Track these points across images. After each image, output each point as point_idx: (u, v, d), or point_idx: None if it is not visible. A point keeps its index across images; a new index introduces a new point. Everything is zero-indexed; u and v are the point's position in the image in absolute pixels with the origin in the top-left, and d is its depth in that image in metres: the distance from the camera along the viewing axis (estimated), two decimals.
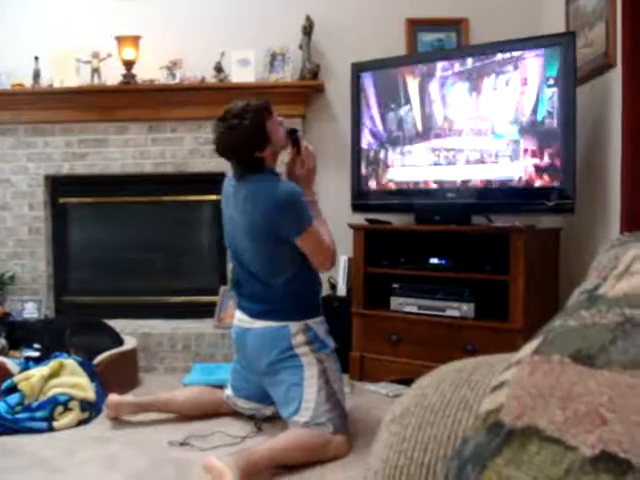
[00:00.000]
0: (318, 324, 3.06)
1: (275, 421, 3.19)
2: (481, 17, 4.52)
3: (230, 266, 3.68)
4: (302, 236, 2.93)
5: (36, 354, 3.65)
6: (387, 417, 1.06)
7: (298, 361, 2.96)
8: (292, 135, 3.17)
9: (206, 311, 4.60)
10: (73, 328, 3.88)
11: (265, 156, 3.01)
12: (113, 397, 3.27)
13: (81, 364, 3.50)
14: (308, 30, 4.44)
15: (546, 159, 3.61)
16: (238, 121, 2.94)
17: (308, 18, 4.43)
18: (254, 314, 3.07)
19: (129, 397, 3.37)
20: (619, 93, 3.14)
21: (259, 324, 3.04)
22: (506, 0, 4.51)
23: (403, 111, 4.11)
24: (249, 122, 2.95)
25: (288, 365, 2.96)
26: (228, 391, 3.30)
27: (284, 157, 3.23)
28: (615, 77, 3.36)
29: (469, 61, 3.88)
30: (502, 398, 0.75)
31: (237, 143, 2.96)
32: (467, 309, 3.71)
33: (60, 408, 3.23)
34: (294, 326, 2.98)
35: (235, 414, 3.32)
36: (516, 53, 3.72)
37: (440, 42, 4.59)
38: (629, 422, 0.61)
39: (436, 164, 4.00)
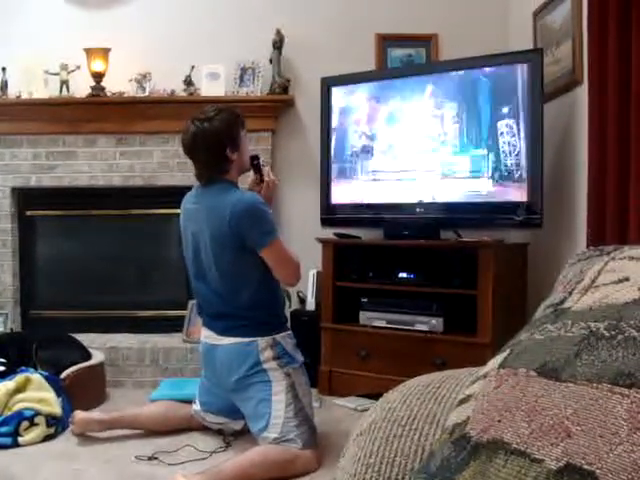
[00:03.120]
0: (286, 338, 3.04)
1: (244, 435, 3.17)
2: (450, 33, 4.56)
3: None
4: (268, 247, 2.92)
5: (2, 368, 3.59)
6: (355, 431, 1.06)
7: (266, 376, 2.94)
8: (253, 161, 3.19)
9: (174, 325, 4.57)
10: (40, 342, 3.82)
11: (233, 160, 3.02)
12: (79, 414, 3.21)
13: (47, 379, 3.45)
14: (278, 44, 4.45)
15: (514, 174, 3.64)
16: (214, 114, 3.00)
17: (278, 32, 4.43)
18: (221, 331, 3.04)
19: (95, 414, 3.32)
20: (585, 110, 3.18)
21: (227, 340, 3.01)
22: (475, 17, 4.56)
23: (372, 126, 4.12)
24: (225, 119, 3.01)
25: (256, 381, 2.94)
26: (196, 406, 3.28)
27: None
28: (582, 94, 3.40)
29: (438, 76, 3.91)
30: (468, 411, 0.76)
31: (210, 136, 2.97)
32: (436, 323, 3.72)
33: (26, 423, 3.17)
34: (262, 341, 2.96)
35: (203, 429, 3.29)
36: (485, 69, 3.76)
37: (410, 58, 4.62)
38: (594, 434, 0.62)
39: (405, 179, 4.01)
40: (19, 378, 3.37)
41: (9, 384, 3.33)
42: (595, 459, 0.60)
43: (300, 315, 4.27)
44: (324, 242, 4.10)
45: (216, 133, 2.98)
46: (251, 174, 3.26)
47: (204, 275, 3.06)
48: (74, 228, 4.84)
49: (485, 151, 3.73)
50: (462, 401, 0.80)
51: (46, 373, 3.52)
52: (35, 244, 4.78)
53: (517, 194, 3.64)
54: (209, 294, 3.07)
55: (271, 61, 4.49)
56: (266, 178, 3.20)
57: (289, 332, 3.10)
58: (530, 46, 4.05)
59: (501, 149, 3.68)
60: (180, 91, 4.49)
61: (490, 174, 3.72)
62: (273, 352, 2.96)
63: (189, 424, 3.31)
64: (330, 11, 4.62)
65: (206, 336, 3.13)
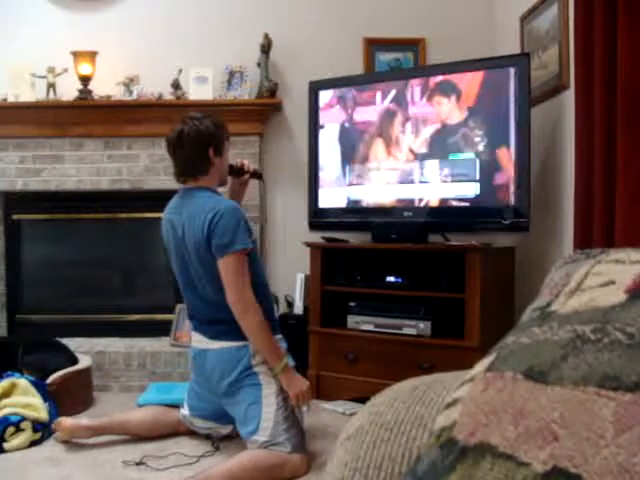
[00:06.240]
0: (276, 342, 3.04)
1: (232, 440, 3.17)
2: (438, 37, 4.57)
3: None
4: (223, 260, 2.89)
5: None
6: (342, 435, 1.05)
7: (257, 380, 2.94)
8: (232, 169, 3.36)
9: (162, 329, 4.55)
10: (26, 347, 3.80)
11: (214, 163, 3.07)
12: (66, 421, 3.19)
13: (34, 384, 3.43)
14: (266, 48, 4.45)
15: (501, 178, 3.65)
16: (202, 116, 3.09)
17: (266, 36, 4.44)
18: (212, 336, 3.04)
19: (83, 420, 3.28)
20: (572, 114, 3.19)
21: (218, 345, 3.01)
22: (463, 21, 4.57)
23: (361, 130, 4.13)
24: (213, 122, 3.09)
25: (247, 384, 2.94)
26: (184, 410, 3.27)
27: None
28: (568, 98, 3.42)
29: (425, 81, 3.92)
30: (455, 415, 0.76)
31: (196, 134, 3.02)
32: (424, 327, 3.72)
33: (11, 429, 3.15)
34: (253, 345, 2.96)
35: (191, 433, 3.28)
36: (472, 73, 3.77)
37: (397, 62, 4.63)
38: (580, 438, 0.62)
39: (393, 183, 4.02)
40: (5, 383, 3.35)
41: None
42: (582, 462, 0.60)
43: (288, 319, 4.27)
44: (312, 246, 4.10)
45: (203, 132, 3.04)
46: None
47: (193, 284, 3.05)
48: (61, 232, 4.82)
49: (472, 155, 3.74)
50: (449, 405, 0.80)
51: (32, 378, 3.50)
52: (22, 248, 4.75)
53: (504, 198, 3.65)
54: (199, 302, 3.06)
55: (259, 65, 4.49)
56: (246, 169, 3.40)
57: (279, 336, 3.09)
58: (517, 50, 4.07)
59: (488, 153, 3.69)
60: (168, 95, 4.47)
61: (477, 177, 3.73)
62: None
63: (177, 429, 3.30)
64: (318, 15, 4.63)
65: (196, 340, 3.12)
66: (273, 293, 4.04)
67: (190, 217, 2.96)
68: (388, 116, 4.04)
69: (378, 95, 4.07)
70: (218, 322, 3.01)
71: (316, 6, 4.65)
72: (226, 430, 3.18)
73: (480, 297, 3.53)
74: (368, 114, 4.10)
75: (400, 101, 3.99)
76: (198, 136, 3.03)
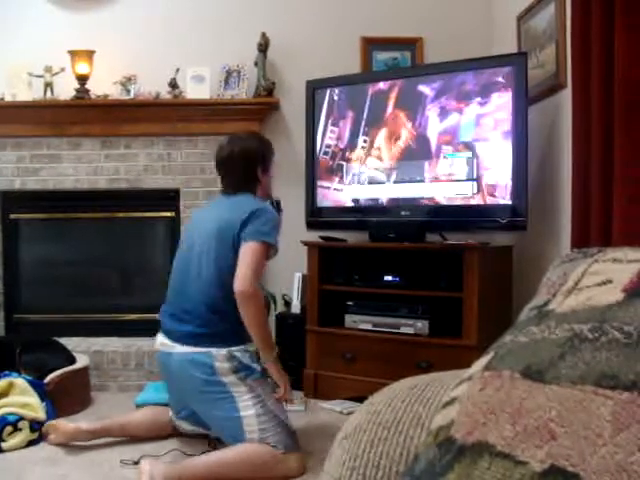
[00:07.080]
0: (242, 352, 2.92)
1: None
2: (435, 37, 4.57)
3: None
4: (252, 244, 2.92)
5: None
6: (339, 434, 1.05)
7: (229, 393, 2.86)
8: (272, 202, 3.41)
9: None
10: (23, 346, 3.80)
11: (260, 181, 3.17)
12: (67, 425, 3.17)
13: (31, 383, 3.43)
14: (264, 47, 4.44)
15: (499, 177, 3.66)
16: (249, 136, 3.26)
17: (264, 35, 4.43)
18: (177, 338, 2.98)
19: (84, 424, 3.22)
20: (569, 113, 3.19)
21: (181, 349, 2.94)
22: (460, 21, 4.57)
23: (358, 129, 4.13)
24: (261, 140, 3.28)
25: (220, 397, 2.86)
26: (171, 414, 3.22)
27: None
28: (565, 98, 3.41)
29: (423, 80, 3.92)
30: (453, 414, 0.76)
31: (246, 153, 3.14)
32: (421, 326, 3.72)
33: (9, 428, 3.14)
34: (217, 353, 2.87)
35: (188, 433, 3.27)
36: (469, 72, 3.77)
37: (395, 61, 4.63)
38: (578, 436, 0.62)
39: (390, 182, 4.02)
40: (2, 383, 3.35)
41: None
42: (579, 461, 0.60)
43: (285, 318, 4.27)
44: (309, 245, 4.10)
45: (252, 153, 3.15)
46: None
47: (198, 276, 3.01)
48: (59, 231, 4.81)
49: (470, 154, 3.74)
50: (447, 404, 0.80)
51: (30, 377, 3.50)
52: (19, 247, 4.74)
53: (502, 197, 3.65)
54: (186, 286, 3.04)
55: (256, 64, 4.48)
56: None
57: (244, 346, 2.96)
58: (514, 50, 4.07)
59: (486, 152, 3.69)
60: (165, 94, 4.47)
61: (475, 177, 3.73)
62: (230, 365, 2.87)
63: (175, 429, 3.28)
64: (315, 14, 4.63)
65: (161, 343, 3.08)
66: (271, 292, 4.05)
67: (229, 209, 3.03)
68: (386, 115, 4.03)
69: (376, 93, 4.07)
70: (187, 319, 2.97)
71: (314, 5, 4.65)
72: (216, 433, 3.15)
73: (478, 296, 3.53)
74: (366, 112, 4.10)
75: (399, 100, 3.99)
76: (248, 157, 3.14)
